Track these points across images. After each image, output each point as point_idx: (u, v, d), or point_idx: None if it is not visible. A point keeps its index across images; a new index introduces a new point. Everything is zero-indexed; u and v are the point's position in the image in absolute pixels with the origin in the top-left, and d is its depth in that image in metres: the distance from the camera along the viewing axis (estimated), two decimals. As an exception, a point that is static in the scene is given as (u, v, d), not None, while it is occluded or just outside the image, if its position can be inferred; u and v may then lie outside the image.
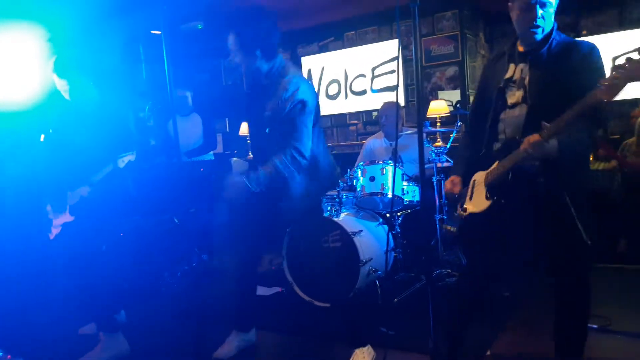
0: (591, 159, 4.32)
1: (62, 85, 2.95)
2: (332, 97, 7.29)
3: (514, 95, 2.16)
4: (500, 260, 2.31)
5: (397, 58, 2.11)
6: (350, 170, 3.99)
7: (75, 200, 2.83)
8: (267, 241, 2.97)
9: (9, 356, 2.19)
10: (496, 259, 2.28)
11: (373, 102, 6.95)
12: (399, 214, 4.01)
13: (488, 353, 2.78)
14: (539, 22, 2.07)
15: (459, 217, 2.28)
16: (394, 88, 2.40)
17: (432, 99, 5.76)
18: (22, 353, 2.56)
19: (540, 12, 2.06)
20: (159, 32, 3.18)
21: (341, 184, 3.95)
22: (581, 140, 1.99)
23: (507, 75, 2.20)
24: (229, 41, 2.63)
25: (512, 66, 2.20)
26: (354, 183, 3.90)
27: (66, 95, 2.97)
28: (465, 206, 2.28)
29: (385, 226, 3.83)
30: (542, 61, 2.11)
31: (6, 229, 3.30)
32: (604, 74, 2.01)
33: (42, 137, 2.99)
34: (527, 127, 2.06)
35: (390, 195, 3.70)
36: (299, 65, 7.31)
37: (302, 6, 6.71)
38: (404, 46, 6.38)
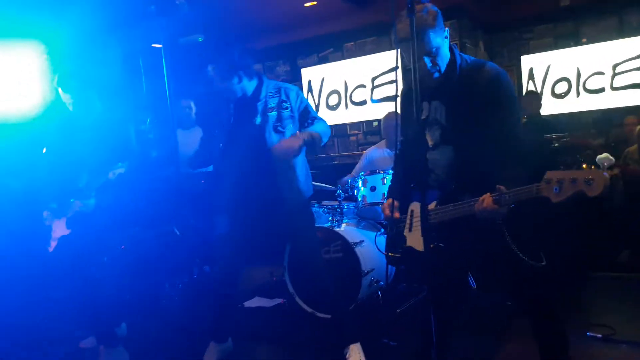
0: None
1: (66, 99, 2.97)
2: (332, 108, 7.31)
3: (434, 136, 2.15)
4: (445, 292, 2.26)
5: (396, 68, 2.11)
6: (349, 179, 3.98)
7: (72, 213, 2.83)
8: (254, 252, 2.97)
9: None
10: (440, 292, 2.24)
11: (373, 112, 6.96)
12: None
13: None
14: (431, 69, 2.05)
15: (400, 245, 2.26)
16: (394, 98, 2.41)
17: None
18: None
19: (429, 60, 2.02)
20: (159, 46, 3.20)
21: (342, 194, 3.95)
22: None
23: (424, 116, 2.17)
24: (209, 72, 2.75)
25: (425, 105, 2.17)
26: (355, 193, 3.90)
27: (70, 108, 2.98)
28: (404, 234, 2.25)
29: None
30: (453, 96, 2.07)
31: (6, 244, 3.29)
32: (515, 100, 2.05)
33: (45, 150, 3.00)
34: (457, 171, 2.07)
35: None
36: (298, 76, 7.35)
37: (301, 18, 6.77)
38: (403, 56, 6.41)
